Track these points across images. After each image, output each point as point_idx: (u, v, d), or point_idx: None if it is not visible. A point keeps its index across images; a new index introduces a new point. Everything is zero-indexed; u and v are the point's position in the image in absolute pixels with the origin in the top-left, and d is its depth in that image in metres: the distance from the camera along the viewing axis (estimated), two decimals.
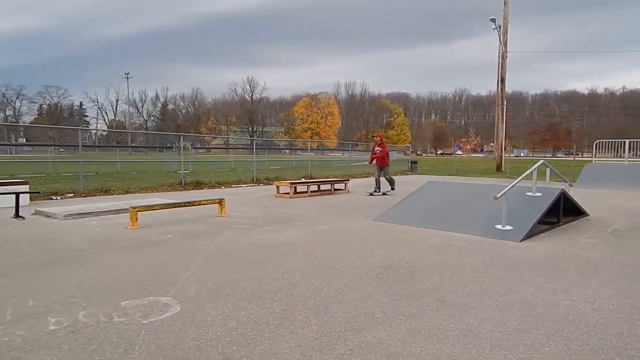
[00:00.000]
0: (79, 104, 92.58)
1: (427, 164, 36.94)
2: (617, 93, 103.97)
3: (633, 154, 17.51)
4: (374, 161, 12.11)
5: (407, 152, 34.75)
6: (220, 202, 7.60)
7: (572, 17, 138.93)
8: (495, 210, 6.14)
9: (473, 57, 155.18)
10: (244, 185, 14.53)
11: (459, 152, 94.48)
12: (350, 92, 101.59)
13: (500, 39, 23.97)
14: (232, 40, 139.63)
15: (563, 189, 6.85)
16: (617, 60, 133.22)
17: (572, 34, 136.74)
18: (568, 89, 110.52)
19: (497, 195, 5.80)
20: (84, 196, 10.58)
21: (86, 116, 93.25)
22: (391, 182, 11.96)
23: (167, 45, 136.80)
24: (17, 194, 7.30)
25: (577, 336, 2.67)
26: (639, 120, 79.72)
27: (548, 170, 7.53)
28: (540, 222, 6.07)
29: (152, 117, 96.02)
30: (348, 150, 27.52)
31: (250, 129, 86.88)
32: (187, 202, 7.42)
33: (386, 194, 11.46)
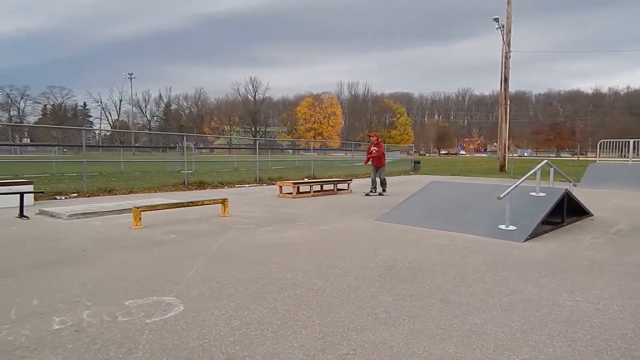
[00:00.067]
0: (82, 104, 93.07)
1: (430, 164, 36.87)
2: (622, 93, 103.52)
3: (637, 154, 17.43)
4: (370, 161, 11.93)
5: (410, 152, 34.72)
6: (224, 202, 7.61)
7: (575, 16, 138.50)
8: (498, 211, 6.12)
9: (476, 56, 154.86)
10: (247, 185, 14.55)
11: (462, 152, 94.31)
12: (353, 92, 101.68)
13: (503, 39, 23.90)
14: (235, 40, 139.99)
15: (567, 189, 6.82)
16: (621, 59, 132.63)
17: (575, 34, 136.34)
18: (572, 88, 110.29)
19: (501, 195, 5.78)
20: (88, 196, 10.63)
21: (90, 116, 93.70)
22: (383, 184, 11.73)
23: (170, 46, 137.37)
24: (22, 194, 7.34)
25: (582, 337, 2.66)
26: None
27: (552, 170, 7.50)
28: (544, 222, 6.05)
29: (155, 118, 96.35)
30: (351, 150, 27.49)
31: (253, 129, 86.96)
32: (190, 202, 7.43)
33: (382, 194, 11.41)
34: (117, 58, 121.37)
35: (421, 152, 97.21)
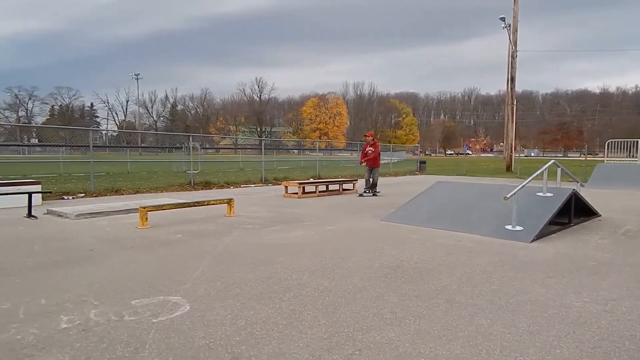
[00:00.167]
0: (89, 105, 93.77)
1: (436, 164, 36.75)
2: (630, 92, 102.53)
3: None
4: (369, 161, 11.71)
5: (416, 152, 34.63)
6: (229, 202, 7.63)
7: (582, 15, 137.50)
8: (505, 211, 6.09)
9: (482, 56, 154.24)
10: (253, 186, 14.58)
11: (469, 151, 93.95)
12: (358, 92, 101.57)
13: (510, 38, 23.77)
14: (241, 40, 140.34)
15: (574, 189, 6.77)
16: (629, 59, 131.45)
17: (583, 33, 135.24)
18: (579, 88, 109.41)
19: (507, 196, 5.74)
20: (95, 196, 10.70)
21: (97, 117, 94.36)
22: (374, 185, 11.54)
23: (176, 46, 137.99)
24: (30, 194, 7.41)
25: (589, 338, 2.64)
26: None
27: (559, 170, 7.45)
28: (551, 222, 6.00)
29: (161, 118, 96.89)
30: (356, 150, 27.47)
31: (258, 129, 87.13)
32: (196, 202, 7.46)
33: (376, 195, 11.30)
34: (124, 59, 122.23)
35: (427, 152, 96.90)
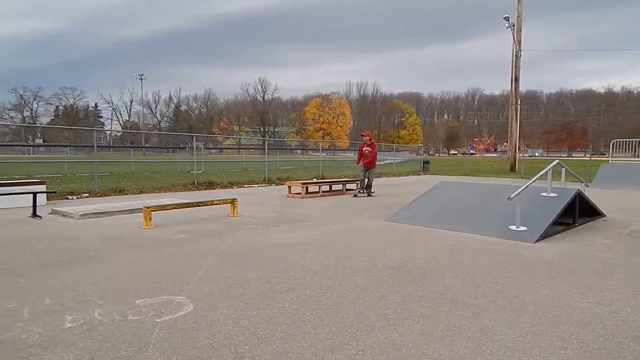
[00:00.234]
0: (94, 105, 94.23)
1: (439, 164, 36.67)
2: (635, 92, 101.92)
3: None
4: (364, 161, 11.46)
5: (420, 152, 34.58)
6: (233, 202, 7.64)
7: (587, 15, 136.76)
8: (509, 211, 6.07)
9: (486, 56, 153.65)
10: (256, 186, 14.60)
11: (472, 151, 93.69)
12: (362, 92, 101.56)
13: (514, 38, 23.69)
14: (244, 41, 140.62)
15: (579, 189, 6.74)
16: (634, 58, 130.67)
17: (587, 32, 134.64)
18: (584, 87, 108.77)
19: (511, 196, 5.73)
20: (99, 196, 10.75)
21: (101, 117, 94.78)
22: (369, 186, 11.38)
23: (180, 47, 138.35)
24: (35, 194, 7.45)
25: (594, 339, 2.63)
26: None
27: (563, 170, 7.42)
28: (555, 222, 5.98)
29: (165, 118, 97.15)
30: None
31: (262, 129, 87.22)
32: (199, 202, 7.48)
33: (370, 195, 11.20)
34: (128, 59, 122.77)
35: (430, 152, 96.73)
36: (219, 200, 7.73)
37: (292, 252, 4.81)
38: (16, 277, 3.85)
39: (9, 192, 8.02)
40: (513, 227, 5.81)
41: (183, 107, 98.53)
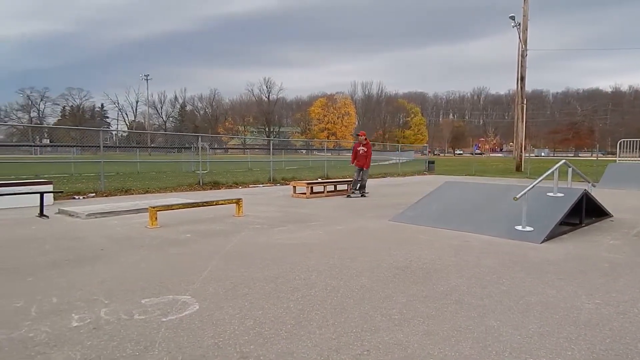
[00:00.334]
0: (100, 106, 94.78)
1: (444, 164, 36.56)
2: None
3: None
4: (359, 161, 11.27)
5: (425, 152, 34.50)
6: (238, 202, 7.66)
7: (593, 13, 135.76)
8: (515, 211, 6.04)
9: (492, 55, 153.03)
10: (261, 186, 14.62)
11: (478, 151, 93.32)
12: (366, 92, 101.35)
13: (519, 37, 23.58)
14: (249, 41, 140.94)
15: (585, 190, 6.69)
16: None
17: (594, 31, 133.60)
18: (590, 87, 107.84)
19: (517, 196, 5.70)
20: (105, 196, 10.81)
21: (107, 117, 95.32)
22: (363, 186, 11.23)
23: (185, 47, 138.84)
24: (42, 194, 7.51)
25: (601, 340, 2.61)
26: None
27: (570, 170, 7.37)
28: (562, 223, 5.94)
29: (170, 118, 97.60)
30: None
31: (267, 129, 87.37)
32: (205, 202, 7.50)
33: (364, 196, 11.04)
34: (134, 60, 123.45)
35: (436, 152, 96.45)
36: (224, 200, 7.75)
37: (297, 252, 4.82)
38: (24, 276, 3.88)
39: (16, 192, 8.09)
40: (519, 228, 5.78)
41: (188, 108, 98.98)
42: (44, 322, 2.82)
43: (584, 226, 6.49)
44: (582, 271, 4.14)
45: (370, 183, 14.96)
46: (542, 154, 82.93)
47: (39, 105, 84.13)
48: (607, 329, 2.77)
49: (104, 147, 12.43)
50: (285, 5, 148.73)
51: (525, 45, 23.49)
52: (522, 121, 24.29)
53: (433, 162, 26.77)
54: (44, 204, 7.50)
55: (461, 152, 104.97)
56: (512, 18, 23.40)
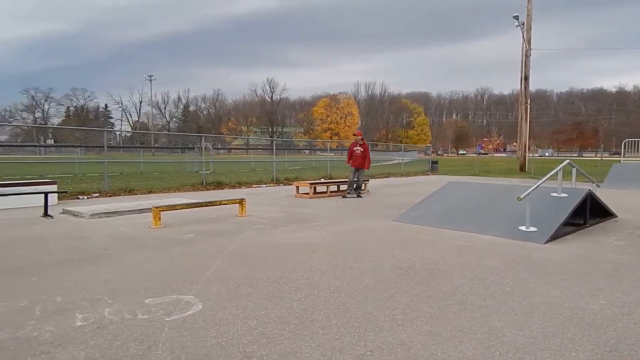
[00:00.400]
0: (104, 106, 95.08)
1: (448, 164, 36.47)
2: None
3: None
4: (355, 161, 11.09)
5: (428, 152, 34.43)
6: (241, 202, 7.67)
7: (598, 13, 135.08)
8: (518, 211, 6.02)
9: (495, 55, 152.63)
10: (264, 186, 14.64)
11: (481, 151, 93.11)
12: (370, 92, 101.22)
13: (523, 37, 23.48)
14: (252, 41, 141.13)
15: (590, 190, 6.66)
16: None
17: (598, 30, 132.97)
18: (595, 86, 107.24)
19: (521, 196, 5.68)
20: (109, 196, 10.85)
21: (111, 118, 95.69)
22: (359, 187, 11.10)
23: (189, 48, 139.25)
24: (46, 194, 7.54)
25: (605, 341, 2.59)
26: None
27: (574, 170, 7.34)
28: (566, 223, 5.91)
29: (174, 119, 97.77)
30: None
31: (270, 129, 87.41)
32: (208, 202, 7.52)
33: (360, 196, 10.95)
34: (137, 60, 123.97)
35: (439, 152, 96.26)
36: (228, 200, 7.76)
37: (300, 252, 4.82)
38: (28, 275, 3.90)
39: (21, 192, 8.13)
40: (523, 228, 5.76)
41: (192, 108, 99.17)
42: (48, 322, 2.83)
43: (588, 226, 6.46)
44: (586, 272, 4.12)
45: (373, 183, 14.97)
46: (546, 154, 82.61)
47: (43, 105, 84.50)
48: (611, 330, 2.76)
49: (107, 147, 12.47)
50: (289, 5, 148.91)
51: (529, 45, 23.40)
52: (526, 121, 24.19)
53: (436, 162, 26.72)
54: (48, 204, 7.54)
55: (464, 152, 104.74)
56: (516, 17, 23.32)
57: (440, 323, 2.85)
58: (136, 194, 11.36)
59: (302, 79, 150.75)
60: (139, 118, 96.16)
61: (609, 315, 3.02)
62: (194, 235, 5.81)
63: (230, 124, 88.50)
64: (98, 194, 10.86)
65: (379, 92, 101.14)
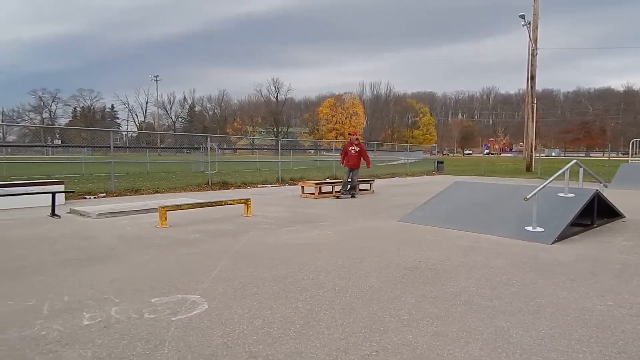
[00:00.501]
0: (110, 107, 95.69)
1: (453, 164, 36.32)
2: None
3: None
4: (349, 161, 10.99)
5: (434, 152, 34.33)
6: (246, 202, 7.69)
7: (605, 11, 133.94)
8: (525, 212, 5.98)
9: (501, 54, 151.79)
10: (270, 186, 14.66)
11: (487, 151, 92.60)
12: (375, 92, 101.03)
13: (530, 36, 23.35)
14: (257, 41, 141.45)
15: (597, 190, 6.61)
16: None
17: (605, 29, 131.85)
18: (602, 86, 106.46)
19: (528, 196, 5.64)
20: (116, 196, 10.91)
21: (117, 118, 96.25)
22: (352, 188, 10.97)
23: (194, 48, 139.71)
24: (54, 194, 7.60)
25: (613, 343, 2.57)
26: None
27: (581, 170, 7.28)
28: (573, 224, 5.87)
29: (180, 119, 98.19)
30: (373, 150, 27.35)
31: (275, 129, 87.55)
32: (214, 202, 7.54)
33: (354, 197, 10.83)
34: (143, 61, 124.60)
35: (444, 152, 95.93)
36: (233, 200, 7.78)
37: (306, 252, 4.82)
38: (36, 275, 3.93)
39: (29, 192, 8.20)
40: (529, 228, 5.73)
41: (197, 108, 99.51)
42: (55, 321, 2.85)
43: (595, 227, 6.41)
44: (594, 272, 4.09)
45: (378, 183, 14.94)
46: (553, 154, 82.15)
47: (50, 106, 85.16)
48: (619, 331, 2.73)
49: (114, 147, 12.54)
50: (294, 5, 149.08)
51: (536, 44, 23.26)
52: (533, 121, 24.05)
53: (442, 162, 26.62)
54: (56, 203, 7.60)
55: (470, 152, 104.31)
56: (522, 17, 23.19)
57: (446, 324, 2.84)
58: (142, 194, 11.42)
59: (307, 79, 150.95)
60: (145, 118, 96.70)
61: (616, 316, 2.99)
62: (199, 235, 5.83)
63: (235, 124, 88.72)
64: (105, 194, 10.92)
65: (384, 92, 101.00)
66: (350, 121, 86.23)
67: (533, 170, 22.93)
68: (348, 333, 2.69)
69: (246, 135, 78.23)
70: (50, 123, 77.58)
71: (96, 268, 4.17)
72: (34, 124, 71.86)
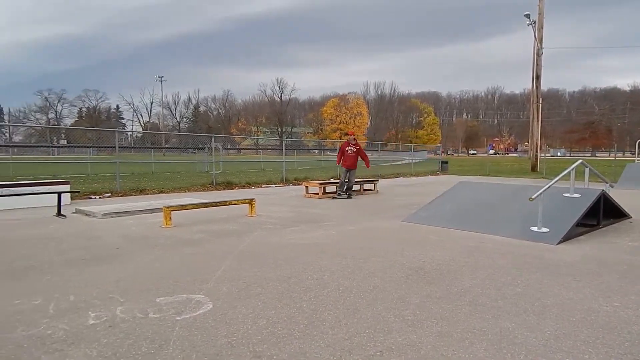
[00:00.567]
0: (115, 107, 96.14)
1: (458, 164, 36.22)
2: None
3: None
4: (346, 161, 10.96)
5: (438, 152, 34.23)
6: (251, 202, 7.70)
7: (611, 10, 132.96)
8: (530, 212, 5.95)
9: (506, 54, 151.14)
10: (274, 186, 14.68)
11: (492, 151, 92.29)
12: (379, 92, 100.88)
13: (535, 35, 23.24)
14: (261, 42, 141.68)
15: (603, 190, 6.56)
16: None
17: (611, 28, 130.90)
18: (608, 85, 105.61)
19: (533, 196, 5.61)
20: (121, 196, 10.96)
21: (122, 118, 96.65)
22: (349, 188, 10.87)
23: (198, 49, 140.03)
24: (59, 194, 7.65)
25: (619, 344, 2.56)
26: None
27: (587, 170, 7.24)
28: (579, 224, 5.84)
29: (184, 119, 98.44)
30: (377, 150, 27.32)
31: (279, 129, 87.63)
32: (218, 202, 7.56)
33: (350, 197, 10.77)
34: (148, 61, 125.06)
35: (449, 152, 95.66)
36: (237, 200, 7.79)
37: (310, 252, 4.82)
38: (42, 274, 3.96)
39: (35, 192, 8.25)
40: (534, 229, 5.70)
41: (202, 108, 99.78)
42: (61, 320, 2.87)
43: (601, 227, 6.37)
44: (600, 273, 4.06)
45: (382, 183, 14.92)
46: (558, 154, 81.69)
47: (56, 106, 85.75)
48: (625, 332, 2.71)
49: (119, 147, 12.60)
50: (298, 5, 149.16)
51: (541, 44, 23.14)
52: (538, 121, 23.94)
53: (446, 162, 26.55)
54: (62, 203, 7.64)
55: (475, 152, 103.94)
56: (527, 16, 23.10)
57: (450, 324, 2.84)
58: (147, 193, 11.47)
59: (311, 79, 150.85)
60: (149, 118, 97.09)
61: (623, 317, 2.97)
62: (204, 235, 5.85)
63: (239, 124, 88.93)
64: (110, 194, 10.98)
65: (388, 92, 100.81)
66: (354, 121, 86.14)
67: (538, 170, 22.82)
68: (352, 333, 2.69)
69: (250, 136, 78.40)
70: (56, 123, 78.10)
71: (102, 268, 4.19)
72: (40, 124, 72.36)
